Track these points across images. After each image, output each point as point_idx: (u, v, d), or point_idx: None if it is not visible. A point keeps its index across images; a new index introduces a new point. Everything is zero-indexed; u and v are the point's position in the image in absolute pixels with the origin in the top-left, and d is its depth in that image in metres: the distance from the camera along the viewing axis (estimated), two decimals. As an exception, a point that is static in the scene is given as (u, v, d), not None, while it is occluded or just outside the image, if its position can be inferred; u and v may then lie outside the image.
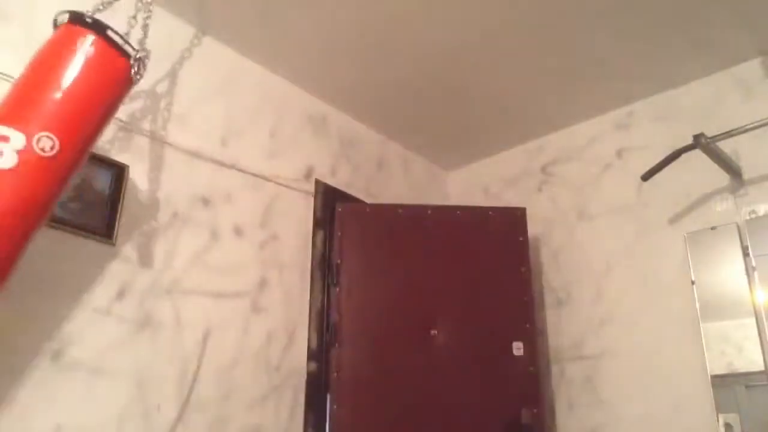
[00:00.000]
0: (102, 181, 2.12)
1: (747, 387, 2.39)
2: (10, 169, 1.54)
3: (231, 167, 2.59)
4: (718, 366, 2.44)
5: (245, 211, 2.59)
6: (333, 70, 2.88)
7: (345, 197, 3.02)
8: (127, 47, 1.79)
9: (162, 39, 2.39)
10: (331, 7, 2.46)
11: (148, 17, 1.99)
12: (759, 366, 2.35)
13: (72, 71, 1.69)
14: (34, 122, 1.61)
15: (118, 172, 2.16)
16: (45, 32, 2.09)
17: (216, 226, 2.47)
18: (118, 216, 2.13)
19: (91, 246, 2.05)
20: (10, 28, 2.03)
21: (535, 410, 2.64)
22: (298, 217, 2.82)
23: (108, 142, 2.18)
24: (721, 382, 2.42)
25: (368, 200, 3.14)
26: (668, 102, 2.92)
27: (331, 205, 2.89)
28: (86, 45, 1.72)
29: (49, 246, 1.94)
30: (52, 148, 1.61)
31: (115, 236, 2.11)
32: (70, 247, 2.00)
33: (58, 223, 1.98)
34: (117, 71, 1.79)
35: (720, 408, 2.38)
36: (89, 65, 1.71)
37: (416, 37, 2.63)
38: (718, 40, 2.59)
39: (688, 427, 2.47)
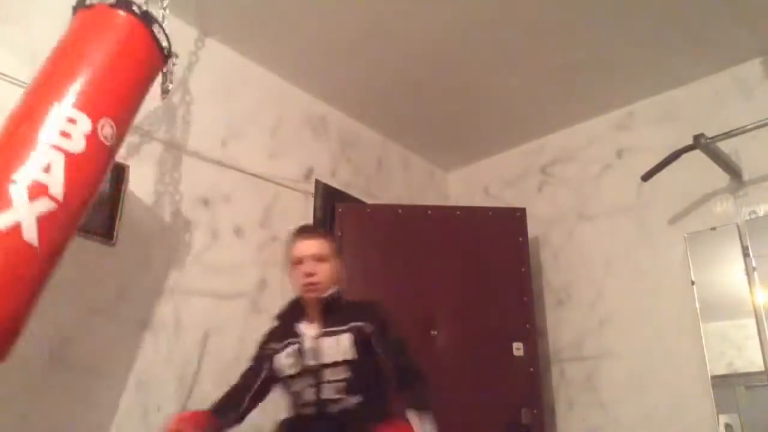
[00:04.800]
0: (102, 181, 2.11)
1: (747, 387, 2.39)
2: (80, 154, 1.47)
3: (231, 168, 2.59)
4: (718, 366, 2.44)
5: (245, 211, 2.59)
6: (333, 71, 2.88)
7: (345, 197, 3.02)
8: (163, 41, 1.75)
9: (162, 39, 2.39)
10: (331, 8, 2.46)
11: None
12: (759, 366, 2.35)
13: (123, 58, 1.62)
14: (99, 107, 1.53)
15: (118, 172, 2.16)
16: (45, 32, 2.10)
17: (216, 227, 2.47)
18: (118, 216, 2.13)
19: (91, 246, 2.05)
20: (10, 28, 2.03)
21: (535, 410, 2.64)
22: (298, 217, 2.81)
23: (108, 143, 2.18)
24: (721, 382, 2.42)
25: (368, 200, 3.14)
26: (668, 102, 2.92)
27: (331, 206, 2.89)
28: (138, 34, 1.66)
29: (49, 246, 1.95)
30: (111, 137, 1.55)
31: (115, 236, 2.11)
32: (70, 247, 2.00)
33: (58, 223, 1.98)
34: (155, 61, 1.75)
35: (720, 408, 2.38)
36: (137, 54, 1.66)
37: (416, 38, 2.63)
38: (718, 40, 2.59)
39: (688, 427, 2.47)
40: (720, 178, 2.62)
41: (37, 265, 1.42)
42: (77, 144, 1.47)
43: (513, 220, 2.94)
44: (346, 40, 2.66)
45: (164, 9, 1.93)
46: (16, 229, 1.36)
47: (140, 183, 2.25)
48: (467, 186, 3.66)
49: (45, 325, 1.90)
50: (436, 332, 2.69)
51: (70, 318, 1.95)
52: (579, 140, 3.20)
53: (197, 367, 2.26)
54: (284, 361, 1.78)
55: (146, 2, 1.77)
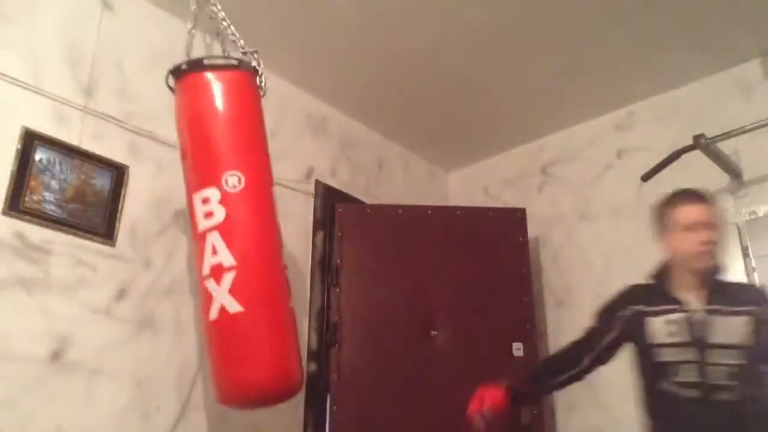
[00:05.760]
0: (102, 181, 2.12)
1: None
2: (225, 221, 1.68)
3: (231, 167, 2.58)
4: (718, 366, 2.44)
5: (245, 211, 2.59)
6: (333, 71, 2.88)
7: (345, 198, 3.02)
8: (231, 62, 1.87)
9: (162, 39, 2.39)
10: (331, 9, 2.46)
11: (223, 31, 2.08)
12: (759, 366, 2.34)
13: (213, 114, 1.80)
14: (213, 173, 1.73)
15: (118, 172, 2.17)
16: (45, 32, 2.11)
17: (216, 227, 2.46)
18: (118, 216, 2.14)
19: (91, 246, 2.05)
20: (11, 28, 2.03)
21: (535, 410, 2.64)
22: (298, 217, 2.81)
23: (108, 143, 2.18)
24: (721, 382, 2.41)
25: (368, 201, 3.14)
26: (668, 102, 2.92)
27: (331, 206, 2.90)
28: (205, 83, 1.82)
29: (49, 246, 1.95)
30: (238, 183, 1.73)
31: (115, 236, 2.12)
32: (70, 248, 2.01)
33: (58, 223, 1.98)
34: (243, 85, 1.89)
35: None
36: (225, 97, 1.82)
37: (416, 38, 2.63)
38: (718, 40, 2.59)
39: (688, 428, 2.47)
40: (720, 178, 2.61)
41: (256, 322, 1.67)
42: (219, 215, 1.71)
43: (513, 220, 2.94)
44: (346, 40, 2.66)
45: (222, 17, 2.05)
46: (222, 311, 1.64)
47: (140, 183, 2.25)
48: (467, 186, 3.66)
49: (45, 325, 1.90)
50: (436, 332, 2.69)
51: (70, 318, 1.95)
52: (579, 140, 3.20)
53: (197, 367, 2.26)
54: (662, 326, 1.68)
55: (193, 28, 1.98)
